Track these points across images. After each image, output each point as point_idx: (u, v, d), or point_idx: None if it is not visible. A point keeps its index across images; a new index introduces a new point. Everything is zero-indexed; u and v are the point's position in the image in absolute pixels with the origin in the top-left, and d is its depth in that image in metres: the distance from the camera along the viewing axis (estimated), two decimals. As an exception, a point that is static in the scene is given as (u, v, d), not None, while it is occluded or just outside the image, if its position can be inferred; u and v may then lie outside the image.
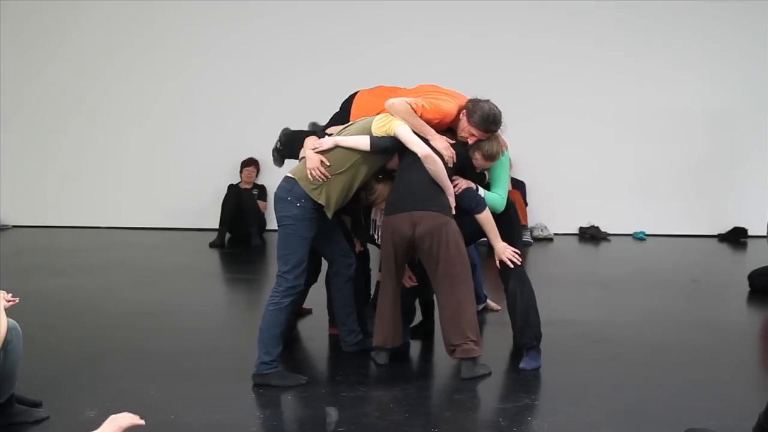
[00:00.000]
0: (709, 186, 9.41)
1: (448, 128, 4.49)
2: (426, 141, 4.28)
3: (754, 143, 9.33)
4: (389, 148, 4.28)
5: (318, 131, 4.67)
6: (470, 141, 4.43)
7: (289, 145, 4.91)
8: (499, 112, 4.42)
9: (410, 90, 4.64)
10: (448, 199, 4.28)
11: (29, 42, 9.89)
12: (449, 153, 4.32)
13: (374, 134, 4.24)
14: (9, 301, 3.45)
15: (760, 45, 9.17)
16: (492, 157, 4.42)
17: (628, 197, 9.50)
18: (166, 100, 9.78)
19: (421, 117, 4.33)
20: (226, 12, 9.66)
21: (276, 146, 5.05)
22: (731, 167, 9.37)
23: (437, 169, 4.21)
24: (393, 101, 4.32)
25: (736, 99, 9.33)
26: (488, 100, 4.43)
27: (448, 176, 4.30)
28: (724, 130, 9.35)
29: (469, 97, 4.48)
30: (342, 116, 4.70)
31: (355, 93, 4.79)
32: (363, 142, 4.23)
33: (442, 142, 4.34)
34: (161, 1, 9.72)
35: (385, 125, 4.25)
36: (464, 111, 4.42)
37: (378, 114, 4.39)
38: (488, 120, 4.37)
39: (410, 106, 4.30)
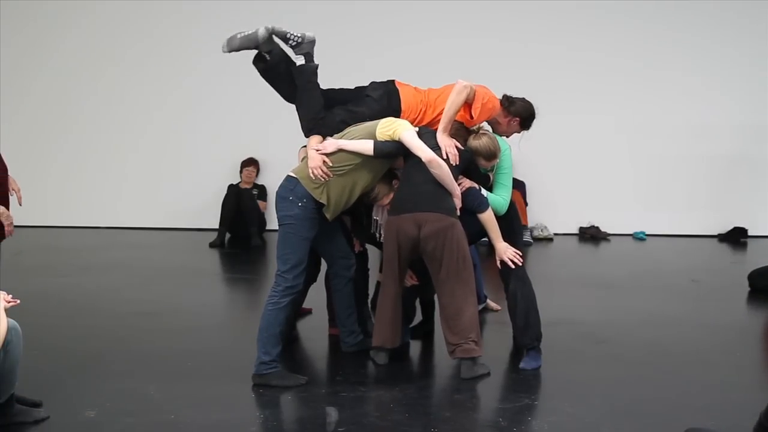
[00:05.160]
0: (709, 186, 9.41)
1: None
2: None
3: (754, 143, 9.33)
4: (393, 152, 4.26)
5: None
6: (508, 136, 4.71)
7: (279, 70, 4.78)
8: None
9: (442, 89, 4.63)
10: (453, 201, 4.27)
11: (29, 42, 9.88)
12: (453, 151, 4.29)
13: (378, 138, 4.24)
14: (9, 302, 3.45)
15: (763, 51, 9.18)
16: (494, 155, 4.43)
17: (628, 197, 9.50)
18: (167, 101, 9.77)
19: (480, 109, 4.42)
20: (227, 12, 9.65)
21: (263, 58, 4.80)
22: (731, 167, 9.36)
23: (442, 172, 4.19)
24: (466, 84, 4.34)
25: (735, 99, 9.33)
26: (523, 98, 4.66)
27: (454, 178, 4.29)
28: (724, 131, 9.35)
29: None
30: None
31: (392, 81, 4.66)
32: (366, 147, 4.22)
33: (448, 140, 4.32)
34: (163, 1, 9.72)
35: (389, 130, 4.23)
36: (515, 116, 4.61)
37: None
38: (533, 117, 4.68)
39: (474, 93, 4.39)
